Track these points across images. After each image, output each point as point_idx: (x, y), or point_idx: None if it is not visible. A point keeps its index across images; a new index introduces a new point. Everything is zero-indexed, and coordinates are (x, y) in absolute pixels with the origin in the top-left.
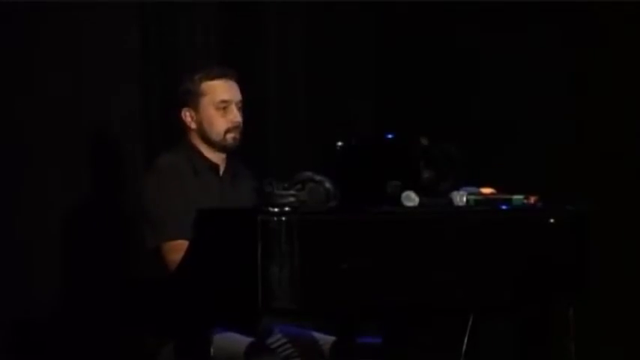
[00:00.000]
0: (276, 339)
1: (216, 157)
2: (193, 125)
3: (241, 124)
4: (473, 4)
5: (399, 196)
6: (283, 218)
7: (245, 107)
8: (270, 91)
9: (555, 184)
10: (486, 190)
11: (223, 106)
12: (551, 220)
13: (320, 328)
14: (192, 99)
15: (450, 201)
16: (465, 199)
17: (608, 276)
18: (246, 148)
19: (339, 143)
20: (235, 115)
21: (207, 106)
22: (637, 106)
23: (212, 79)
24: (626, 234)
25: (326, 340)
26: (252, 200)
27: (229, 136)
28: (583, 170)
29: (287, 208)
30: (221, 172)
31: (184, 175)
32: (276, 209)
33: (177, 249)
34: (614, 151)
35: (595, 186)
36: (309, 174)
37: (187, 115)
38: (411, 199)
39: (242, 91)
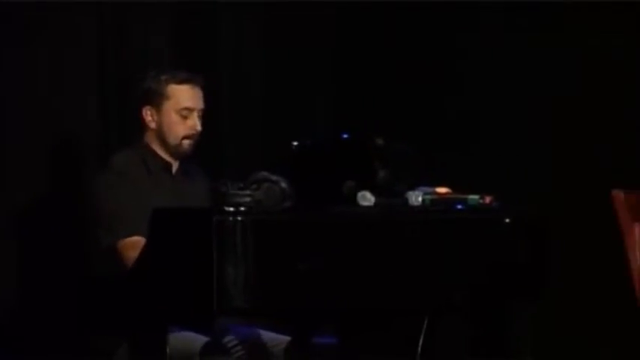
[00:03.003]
0: (231, 339)
1: (167, 156)
2: (153, 125)
3: (199, 133)
4: (431, 2)
5: (355, 196)
6: (238, 218)
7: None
8: (226, 91)
9: (511, 185)
10: (442, 190)
11: (184, 114)
12: (507, 220)
13: (275, 329)
14: (155, 99)
15: (406, 201)
16: (420, 198)
17: (566, 276)
18: (202, 148)
19: (295, 143)
20: (196, 124)
21: (170, 110)
22: (597, 109)
23: (179, 83)
24: (583, 234)
25: (280, 340)
26: (206, 199)
27: (186, 142)
28: (539, 171)
29: (242, 208)
30: (174, 171)
31: (137, 174)
32: (231, 209)
33: (133, 246)
34: (570, 151)
35: (551, 186)
36: (264, 174)
37: (148, 114)
38: (366, 198)
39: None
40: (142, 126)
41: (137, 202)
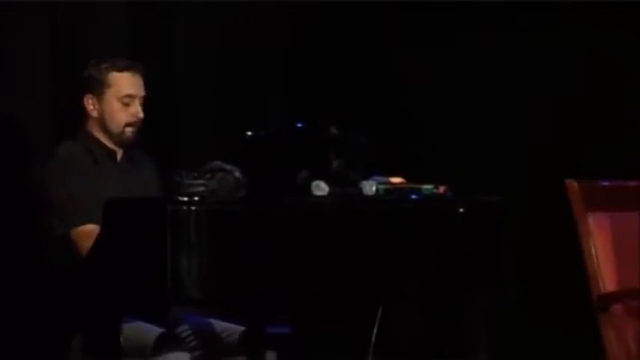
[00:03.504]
0: (184, 329)
1: (111, 144)
2: (95, 114)
3: (141, 120)
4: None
5: (309, 186)
6: (192, 208)
7: (157, 100)
8: (181, 83)
9: (466, 175)
10: (396, 180)
11: (126, 101)
12: (461, 210)
13: (229, 319)
14: (96, 87)
15: (360, 190)
16: (374, 188)
17: (520, 266)
18: (157, 138)
19: (249, 133)
20: (138, 111)
21: (111, 98)
22: (552, 100)
23: (120, 70)
24: (537, 224)
25: (234, 330)
26: (154, 187)
27: (128, 129)
28: (493, 161)
29: (196, 198)
30: (119, 159)
31: (83, 164)
32: (185, 199)
33: (87, 235)
34: (524, 141)
35: (506, 176)
36: (218, 163)
37: (90, 103)
38: (320, 188)
39: (146, 85)
40: (85, 115)
41: (87, 191)
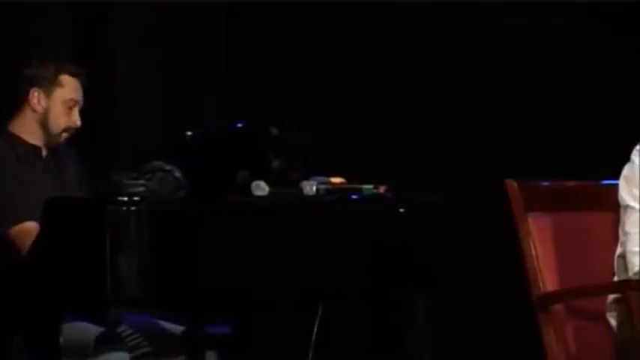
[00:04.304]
0: (124, 329)
1: (39, 141)
2: (39, 109)
3: (78, 128)
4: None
5: (249, 186)
6: (132, 208)
7: (97, 100)
8: (121, 83)
9: (407, 175)
10: (336, 180)
11: (70, 105)
12: (401, 210)
13: (169, 318)
14: (45, 84)
15: (300, 190)
16: (314, 188)
17: (462, 266)
18: (97, 138)
19: (189, 133)
20: (77, 118)
21: (58, 98)
22: (492, 102)
23: (70, 74)
24: (477, 225)
25: (175, 329)
26: (81, 180)
27: (64, 135)
28: (434, 161)
29: (136, 198)
30: (44, 155)
31: (9, 162)
32: (125, 199)
33: (27, 233)
34: (464, 141)
35: (446, 176)
36: (158, 163)
37: (35, 97)
38: (260, 188)
39: (85, 85)
40: (20, 109)
41: (17, 189)
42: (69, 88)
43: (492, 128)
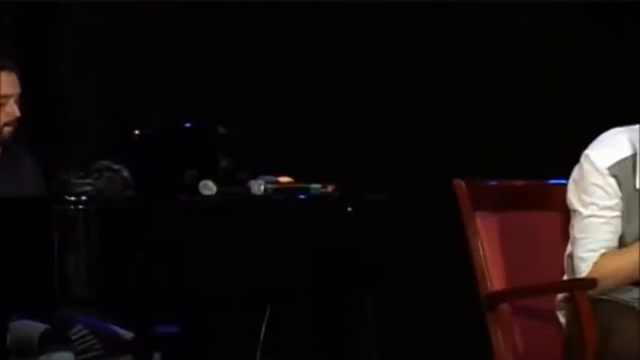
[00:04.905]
0: (77, 330)
1: None
2: None
3: (18, 118)
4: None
5: (197, 185)
6: (80, 207)
7: (45, 99)
8: (68, 82)
9: (356, 174)
10: (284, 179)
11: (3, 101)
12: (349, 209)
13: (120, 323)
14: None
15: (248, 190)
16: (262, 187)
17: (410, 265)
18: (44, 138)
19: (136, 132)
20: (14, 110)
21: None
22: (438, 101)
23: None
24: (425, 224)
25: (127, 335)
26: (37, 181)
27: (6, 129)
28: (383, 160)
29: (84, 197)
30: None
31: None
32: (72, 198)
33: None
34: (413, 141)
35: (394, 175)
36: (106, 163)
37: None
38: (208, 187)
39: (34, 85)
40: None
41: None
42: None
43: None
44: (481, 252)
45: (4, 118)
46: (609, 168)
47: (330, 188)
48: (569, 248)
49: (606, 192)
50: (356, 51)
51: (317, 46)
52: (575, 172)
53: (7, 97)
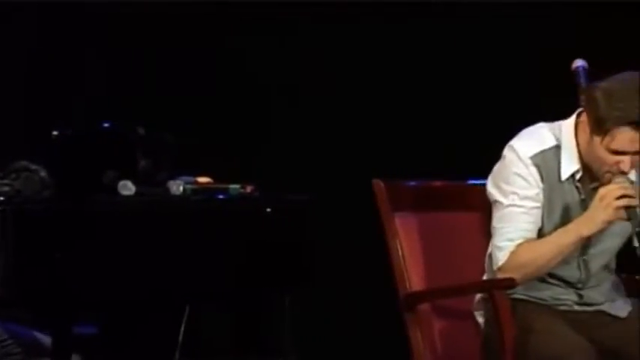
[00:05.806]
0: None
1: None
2: None
3: None
4: None
5: (116, 186)
6: None
7: None
8: None
9: (274, 175)
10: (203, 180)
11: None
12: (268, 210)
13: (37, 327)
14: None
15: (167, 190)
16: (181, 188)
17: (330, 265)
18: None
19: (55, 132)
20: None
21: None
22: (363, 102)
23: None
24: (345, 224)
25: (47, 340)
26: None
27: None
28: (303, 159)
29: (1, 198)
30: None
31: None
32: None
33: None
34: (334, 142)
35: (315, 175)
36: (23, 163)
37: None
38: (127, 188)
39: None
40: None
41: None
42: None
43: (363, 126)
44: (400, 252)
45: None
46: (532, 157)
47: (249, 188)
48: (489, 248)
49: (527, 181)
50: (273, 50)
51: (245, 44)
52: (497, 165)
53: None
